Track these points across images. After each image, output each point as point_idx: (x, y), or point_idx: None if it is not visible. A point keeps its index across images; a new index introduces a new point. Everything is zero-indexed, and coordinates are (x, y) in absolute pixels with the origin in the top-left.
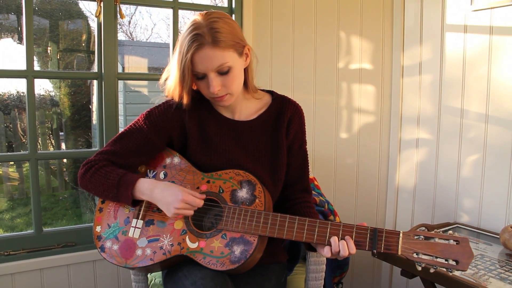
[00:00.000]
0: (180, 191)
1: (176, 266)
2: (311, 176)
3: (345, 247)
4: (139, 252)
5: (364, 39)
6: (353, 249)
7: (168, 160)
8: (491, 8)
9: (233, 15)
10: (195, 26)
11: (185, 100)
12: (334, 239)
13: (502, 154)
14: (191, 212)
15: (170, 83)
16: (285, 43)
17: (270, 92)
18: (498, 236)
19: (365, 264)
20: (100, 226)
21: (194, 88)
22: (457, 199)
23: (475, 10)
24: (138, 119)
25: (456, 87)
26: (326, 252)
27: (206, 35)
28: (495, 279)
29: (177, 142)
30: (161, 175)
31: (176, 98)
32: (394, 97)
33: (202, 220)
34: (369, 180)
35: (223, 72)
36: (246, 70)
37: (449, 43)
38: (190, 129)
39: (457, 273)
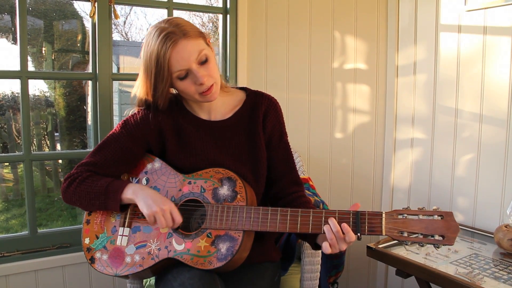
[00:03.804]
0: (172, 202)
1: (167, 268)
2: (306, 176)
3: (337, 226)
4: (128, 259)
5: (359, 39)
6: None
7: (149, 166)
8: (485, 8)
9: (228, 15)
10: (161, 30)
11: (161, 103)
12: (331, 220)
13: (496, 153)
14: (164, 224)
15: (141, 93)
16: (279, 43)
17: (244, 89)
18: (492, 236)
19: (361, 264)
20: (88, 238)
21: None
22: (452, 199)
23: (469, 10)
24: (115, 129)
25: (450, 87)
26: (325, 247)
27: (175, 31)
28: (489, 278)
29: (155, 148)
30: (144, 181)
31: (150, 100)
32: (388, 97)
33: (188, 223)
34: (364, 180)
35: (203, 61)
36: None
37: (443, 43)
38: (167, 133)
39: (451, 272)
